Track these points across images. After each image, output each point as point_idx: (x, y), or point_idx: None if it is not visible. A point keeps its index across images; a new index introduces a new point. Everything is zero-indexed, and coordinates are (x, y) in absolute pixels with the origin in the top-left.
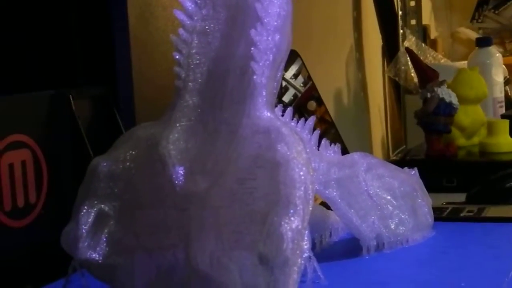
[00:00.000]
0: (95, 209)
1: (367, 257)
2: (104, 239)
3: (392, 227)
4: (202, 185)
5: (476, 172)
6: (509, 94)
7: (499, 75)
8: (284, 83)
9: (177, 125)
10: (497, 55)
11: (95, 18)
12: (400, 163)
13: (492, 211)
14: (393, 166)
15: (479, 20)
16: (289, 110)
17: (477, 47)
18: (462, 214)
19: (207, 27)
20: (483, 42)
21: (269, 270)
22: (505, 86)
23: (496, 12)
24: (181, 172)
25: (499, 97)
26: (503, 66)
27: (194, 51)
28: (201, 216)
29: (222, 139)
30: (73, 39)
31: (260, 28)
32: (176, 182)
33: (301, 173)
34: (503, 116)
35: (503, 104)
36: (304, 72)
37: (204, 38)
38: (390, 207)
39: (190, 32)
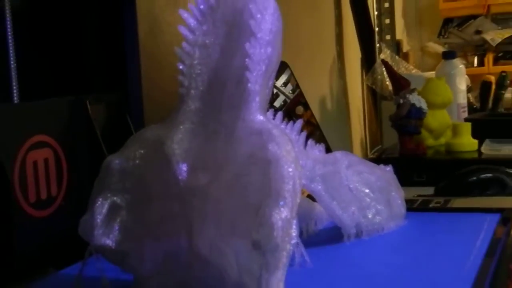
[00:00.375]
0: (109, 201)
1: (348, 243)
2: (117, 227)
3: (369, 216)
4: (203, 180)
5: (443, 168)
6: (471, 100)
7: (462, 84)
8: (275, 91)
9: (181, 127)
10: (461, 66)
11: (110, 33)
12: (377, 160)
13: (457, 202)
14: (371, 163)
15: (445, 36)
16: (280, 114)
17: (443, 60)
18: (430, 205)
19: (207, 41)
20: (448, 55)
21: (261, 255)
22: (467, 93)
23: (460, 29)
24: (184, 168)
25: (462, 103)
26: (466, 76)
27: (196, 62)
28: (202, 208)
29: (221, 139)
30: (90, 52)
31: (254, 42)
32: (180, 177)
33: (290, 169)
34: (466, 120)
35: (466, 109)
36: (292, 80)
37: (205, 50)
38: (368, 199)
39: (192, 45)
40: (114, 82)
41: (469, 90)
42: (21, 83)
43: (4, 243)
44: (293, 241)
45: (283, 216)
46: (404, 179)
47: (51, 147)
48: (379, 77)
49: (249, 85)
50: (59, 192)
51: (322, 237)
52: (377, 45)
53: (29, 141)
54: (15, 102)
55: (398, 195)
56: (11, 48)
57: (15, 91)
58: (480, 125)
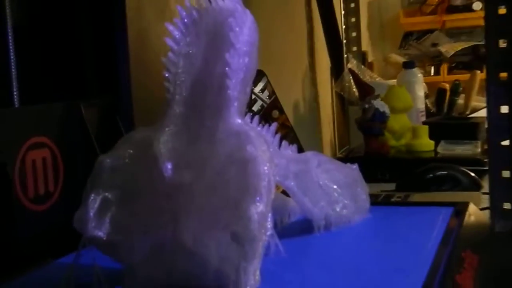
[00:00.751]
0: (101, 196)
1: (318, 234)
2: (108, 220)
3: (337, 210)
4: (187, 177)
5: (403, 166)
6: (428, 105)
7: (420, 91)
8: (253, 96)
9: (167, 129)
10: (419, 75)
11: (103, 43)
12: (344, 159)
13: (416, 197)
14: (339, 162)
15: (405, 48)
16: (256, 117)
17: (404, 69)
18: (392, 200)
19: (190, 51)
20: (408, 65)
21: (240, 245)
22: (425, 99)
23: (418, 42)
24: (170, 167)
25: (420, 108)
26: (424, 84)
27: (180, 70)
28: (186, 203)
29: (203, 140)
30: (85, 60)
31: (233, 52)
32: (166, 175)
33: (265, 167)
34: (424, 123)
35: (424, 113)
36: (269, 87)
37: (188, 60)
38: (336, 195)
39: (177, 55)
40: (106, 88)
41: (426, 96)
42: (21, 89)
43: (6, 234)
44: (269, 233)
45: (259, 210)
46: (369, 176)
47: (48, 147)
48: (346, 84)
49: (229, 91)
50: (56, 188)
51: (295, 228)
52: (345, 55)
53: (28, 142)
54: (16, 106)
55: (363, 191)
56: (12, 57)
57: (15, 96)
58: (436, 127)
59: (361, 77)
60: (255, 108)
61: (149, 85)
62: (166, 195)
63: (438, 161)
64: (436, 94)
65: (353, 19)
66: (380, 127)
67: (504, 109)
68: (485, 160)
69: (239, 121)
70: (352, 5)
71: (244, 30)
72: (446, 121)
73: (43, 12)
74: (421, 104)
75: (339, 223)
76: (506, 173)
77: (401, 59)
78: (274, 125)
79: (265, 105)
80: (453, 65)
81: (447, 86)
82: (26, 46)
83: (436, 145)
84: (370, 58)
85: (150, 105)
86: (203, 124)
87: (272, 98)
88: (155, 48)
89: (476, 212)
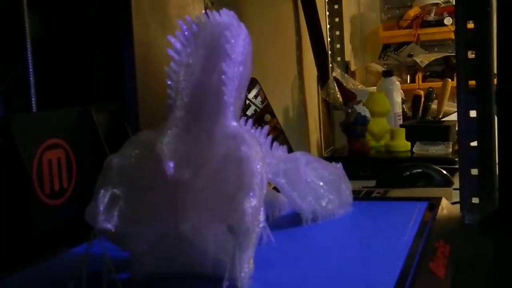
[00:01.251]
0: (110, 192)
1: (305, 226)
2: (116, 214)
3: (323, 204)
4: (187, 175)
5: (382, 165)
6: (405, 110)
7: (398, 97)
8: (247, 102)
9: (169, 131)
10: (397, 83)
11: (112, 55)
12: (329, 159)
13: (394, 192)
14: (324, 161)
15: (384, 58)
16: (250, 121)
17: (383, 77)
18: (372, 195)
19: (190, 61)
20: (387, 74)
21: (235, 236)
22: (402, 104)
23: (396, 53)
24: (172, 165)
25: (398, 112)
26: (401, 90)
27: (181, 78)
28: (186, 198)
29: (202, 141)
30: (96, 70)
31: (229, 62)
32: (168, 173)
33: (258, 166)
34: (401, 126)
35: (401, 117)
36: (261, 94)
37: (189, 69)
38: (322, 190)
39: (179, 64)
40: (115, 95)
41: (403, 102)
42: (39, 96)
43: (25, 226)
44: (261, 225)
45: (253, 204)
46: (352, 174)
47: (63, 148)
48: (331, 91)
49: (225, 97)
50: (70, 185)
51: (285, 221)
52: (330, 65)
53: (45, 143)
54: (34, 111)
55: (346, 187)
56: (30, 67)
57: (34, 102)
58: (412, 130)
59: (344, 84)
60: (249, 112)
61: (153, 92)
62: (168, 191)
63: (413, 160)
64: (412, 100)
65: (337, 32)
66: (362, 130)
67: (473, 113)
68: (456, 159)
69: (235, 124)
70: (337, 19)
71: (239, 42)
72: (421, 124)
73: (59, 27)
74: (398, 109)
75: (325, 216)
76: (474, 171)
77: (380, 68)
78: (266, 128)
79: (258, 110)
80: (427, 74)
81: (422, 92)
82: (43, 57)
83: (412, 145)
84: (352, 68)
85: (154, 110)
86: (202, 127)
87: (264, 104)
88: (158, 59)
89: (447, 206)
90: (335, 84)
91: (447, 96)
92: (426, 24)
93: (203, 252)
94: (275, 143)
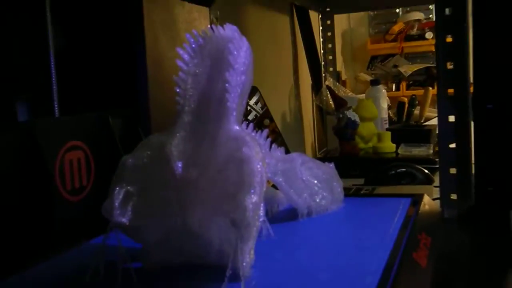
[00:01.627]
0: (124, 189)
1: (301, 220)
2: (130, 209)
3: (317, 201)
4: (194, 174)
5: (370, 165)
6: (391, 115)
7: (384, 103)
8: (248, 108)
9: (177, 134)
10: (383, 91)
11: (126, 65)
12: (323, 159)
13: (381, 189)
14: (318, 161)
15: (372, 69)
16: (251, 125)
17: (371, 86)
18: (362, 192)
19: (197, 71)
20: (374, 83)
21: (237, 230)
22: (388, 110)
23: (382, 64)
24: (180, 165)
25: (384, 117)
26: (387, 98)
27: (189, 86)
28: (193, 195)
29: (207, 144)
30: (112, 79)
31: (232, 72)
32: (176, 172)
33: (258, 166)
34: (387, 129)
35: (387, 121)
36: (261, 100)
37: (195, 78)
38: (316, 188)
39: (186, 74)
40: (129, 102)
41: (389, 108)
42: (61, 102)
43: (47, 220)
44: (261, 219)
45: (253, 200)
46: (343, 173)
47: (82, 149)
48: (324, 98)
49: (228, 103)
50: (88, 183)
51: (283, 216)
52: (323, 75)
53: (66, 145)
54: (56, 116)
55: (338, 185)
56: (53, 76)
57: (56, 108)
58: (397, 133)
59: (336, 92)
60: (250, 117)
61: (163, 99)
62: (177, 188)
63: (398, 161)
64: (397, 106)
65: (329, 45)
66: (352, 133)
67: (452, 118)
68: (436, 159)
69: (237, 127)
70: (329, 34)
71: (241, 54)
72: (405, 128)
73: (79, 40)
74: (385, 114)
75: (318, 211)
76: (453, 170)
77: (368, 78)
78: (266, 131)
79: (258, 115)
80: (410, 82)
81: (406, 99)
82: (65, 68)
83: (397, 147)
84: (343, 77)
85: (164, 115)
86: (207, 130)
87: (264, 109)
88: (168, 69)
89: (429, 202)
90: (328, 92)
91: (429, 102)
92: (409, 38)
93: (208, 243)
94: (273, 145)
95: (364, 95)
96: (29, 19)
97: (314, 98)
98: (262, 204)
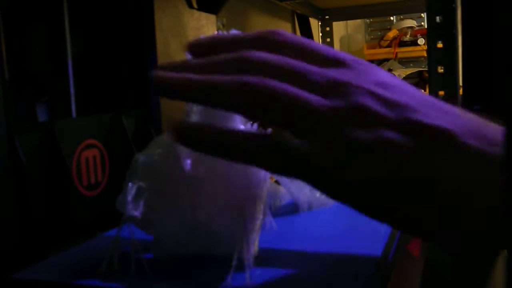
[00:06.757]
0: (136, 185)
1: (302, 214)
2: (142, 203)
3: (317, 196)
4: (202, 171)
5: None
6: None
7: None
8: None
9: None
10: None
11: (138, 68)
12: None
13: None
14: None
15: None
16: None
17: None
18: None
19: None
20: None
21: (243, 221)
22: None
23: None
24: (189, 162)
25: None
26: None
27: None
28: (202, 190)
29: None
30: (125, 81)
31: None
32: (186, 169)
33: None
34: None
35: None
36: None
37: None
38: None
39: None
40: (141, 103)
41: None
42: (78, 103)
43: (65, 213)
44: (265, 213)
45: (258, 195)
46: None
47: (98, 148)
48: None
49: None
50: (103, 179)
51: (285, 210)
52: None
53: (83, 143)
54: (74, 116)
55: None
56: (71, 79)
57: (73, 109)
58: None
59: None
60: None
61: (173, 101)
62: (186, 184)
63: None
64: None
65: None
66: None
67: None
68: None
69: (242, 127)
70: (328, 39)
71: None
72: None
73: (95, 46)
74: None
75: (318, 205)
76: None
77: None
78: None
79: None
80: None
81: None
82: (82, 71)
83: None
84: None
85: (174, 115)
86: None
87: None
88: None
89: None
90: None
91: None
92: (403, 44)
93: (215, 235)
94: None
95: None
96: (48, 28)
97: None
98: (265, 199)
